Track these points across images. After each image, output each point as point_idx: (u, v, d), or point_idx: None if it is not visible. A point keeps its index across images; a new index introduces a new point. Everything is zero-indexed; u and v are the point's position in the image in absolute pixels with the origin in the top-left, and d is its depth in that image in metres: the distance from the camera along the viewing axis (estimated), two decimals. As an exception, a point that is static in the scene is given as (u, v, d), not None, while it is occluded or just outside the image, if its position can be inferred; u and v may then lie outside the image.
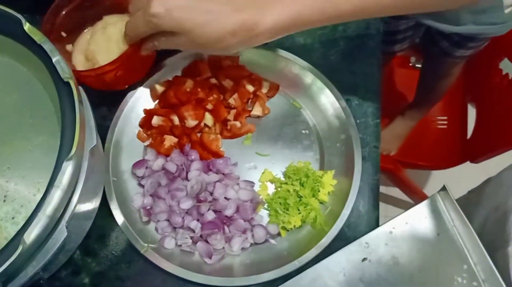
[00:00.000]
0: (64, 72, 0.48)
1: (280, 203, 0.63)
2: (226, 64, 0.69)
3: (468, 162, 1.25)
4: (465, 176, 1.24)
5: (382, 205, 0.68)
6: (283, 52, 0.70)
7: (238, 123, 0.68)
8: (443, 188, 0.62)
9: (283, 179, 0.66)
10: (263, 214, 0.65)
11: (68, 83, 0.48)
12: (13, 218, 0.51)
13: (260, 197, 0.65)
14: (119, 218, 0.61)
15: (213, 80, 0.69)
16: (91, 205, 0.56)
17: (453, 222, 0.61)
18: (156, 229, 0.63)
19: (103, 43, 0.65)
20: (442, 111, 1.40)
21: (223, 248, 0.62)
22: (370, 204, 0.65)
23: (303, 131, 0.69)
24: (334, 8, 0.52)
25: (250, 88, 0.68)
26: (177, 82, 0.67)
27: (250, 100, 0.70)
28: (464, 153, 1.30)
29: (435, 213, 0.62)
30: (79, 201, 0.49)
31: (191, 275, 0.59)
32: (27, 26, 0.50)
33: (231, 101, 0.68)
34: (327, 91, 0.68)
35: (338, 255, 0.60)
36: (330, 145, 0.68)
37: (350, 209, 0.62)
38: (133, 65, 0.65)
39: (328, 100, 0.68)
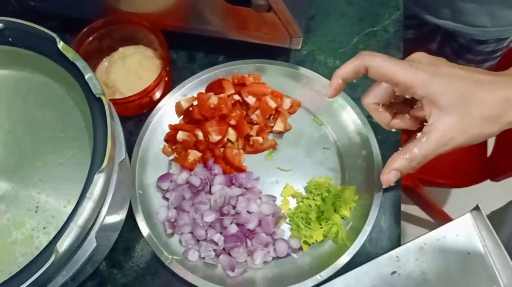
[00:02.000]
0: (96, 88, 0.50)
1: (302, 218, 0.64)
2: (249, 81, 0.71)
3: (488, 181, 1.24)
4: (486, 195, 1.23)
5: (401, 223, 0.67)
6: (304, 70, 0.71)
7: (260, 139, 0.69)
8: (476, 207, 0.61)
9: (305, 194, 0.67)
10: (285, 229, 0.65)
11: (100, 99, 0.50)
12: (44, 228, 0.53)
13: (282, 211, 0.66)
14: (144, 230, 0.62)
15: (236, 97, 0.70)
16: (118, 217, 0.58)
17: (484, 241, 0.60)
18: (180, 242, 0.64)
19: (123, 73, 0.71)
20: (462, 129, 1.39)
21: (245, 261, 0.62)
22: (392, 220, 0.65)
23: (324, 147, 0.70)
24: None
25: (272, 104, 0.70)
26: (202, 98, 0.69)
27: (272, 116, 0.71)
28: (484, 171, 1.29)
29: (467, 231, 0.61)
30: (108, 212, 0.51)
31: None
32: (61, 45, 0.53)
33: (254, 117, 0.69)
34: (348, 108, 0.69)
35: (368, 266, 0.60)
36: (351, 161, 0.68)
37: (371, 225, 0.62)
38: (152, 96, 0.70)
39: (349, 117, 0.69)
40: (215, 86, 0.71)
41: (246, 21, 0.67)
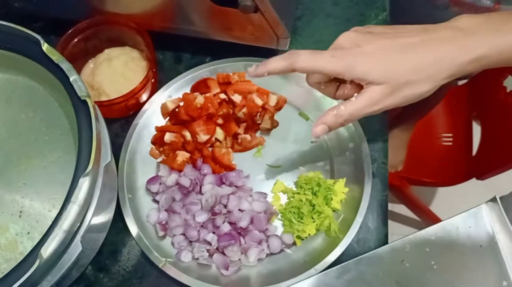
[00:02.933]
0: (81, 90, 0.50)
1: (294, 213, 0.64)
2: (234, 80, 0.71)
3: (474, 179, 1.26)
4: (471, 194, 1.25)
5: (388, 222, 0.68)
6: None
7: (248, 137, 0.69)
8: (493, 199, 0.60)
9: (295, 189, 0.67)
10: (277, 225, 0.65)
11: (85, 101, 0.49)
12: (28, 233, 0.52)
13: (274, 207, 0.66)
14: (135, 233, 0.62)
15: (222, 95, 0.70)
16: (104, 220, 0.57)
17: (497, 235, 0.58)
18: (173, 244, 0.63)
19: (108, 74, 0.71)
20: (447, 128, 1.40)
21: (239, 259, 0.62)
22: (379, 220, 0.65)
23: (312, 142, 0.70)
24: None
25: (259, 101, 0.69)
26: (188, 99, 0.68)
27: (259, 114, 0.71)
28: (470, 170, 1.30)
29: (480, 223, 0.59)
30: (93, 216, 0.50)
31: (209, 287, 0.59)
32: (45, 46, 0.52)
33: (240, 115, 0.69)
34: (334, 102, 0.69)
35: (379, 252, 0.58)
36: (339, 154, 0.69)
37: (363, 216, 0.62)
38: (139, 98, 0.70)
39: None
40: (201, 86, 0.71)
41: (232, 22, 0.66)
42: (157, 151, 0.69)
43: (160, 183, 0.66)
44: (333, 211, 0.65)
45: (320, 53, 0.51)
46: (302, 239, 0.64)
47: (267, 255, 0.63)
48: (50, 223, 0.45)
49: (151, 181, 0.66)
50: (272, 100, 0.71)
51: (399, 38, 0.50)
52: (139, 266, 0.63)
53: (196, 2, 0.64)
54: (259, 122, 0.71)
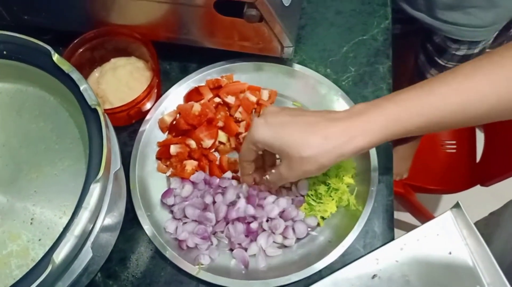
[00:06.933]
0: (92, 99, 0.51)
1: (312, 195, 0.66)
2: (223, 83, 0.73)
3: (478, 186, 1.26)
4: (476, 200, 1.25)
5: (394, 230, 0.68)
6: (269, 65, 0.74)
7: None
8: (456, 205, 0.61)
9: None
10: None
11: (95, 110, 0.50)
12: (39, 240, 0.53)
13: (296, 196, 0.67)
14: (164, 250, 0.62)
15: (217, 99, 0.72)
16: (114, 227, 0.58)
17: (466, 240, 0.59)
18: (199, 250, 0.63)
19: (113, 83, 0.72)
20: (451, 135, 1.41)
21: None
22: (385, 224, 0.66)
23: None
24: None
25: (253, 98, 0.71)
26: (185, 109, 0.70)
27: (254, 110, 0.73)
28: (474, 177, 1.30)
29: (448, 230, 0.60)
30: (104, 223, 0.51)
31: (250, 284, 0.60)
32: (55, 57, 0.53)
33: (237, 115, 0.71)
34: (341, 101, 0.72)
35: (346, 270, 0.59)
36: None
37: (376, 186, 0.64)
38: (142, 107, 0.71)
39: (325, 92, 0.73)
40: (193, 95, 0.73)
41: (238, 31, 0.68)
42: (164, 166, 0.70)
43: (174, 196, 0.66)
44: (347, 187, 0.66)
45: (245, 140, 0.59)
46: (324, 219, 0.66)
47: (296, 241, 0.65)
48: (61, 230, 0.45)
49: (165, 195, 0.66)
50: (265, 95, 0.73)
51: (301, 117, 0.56)
52: (147, 273, 0.63)
53: (201, 12, 0.65)
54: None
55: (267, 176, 0.61)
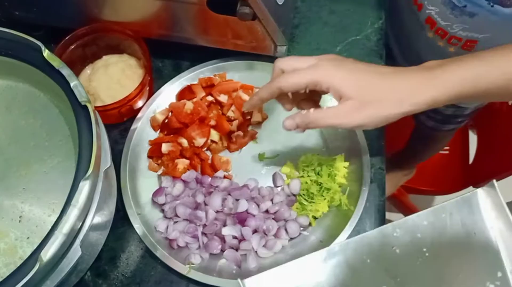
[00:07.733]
0: (82, 96, 0.50)
1: (304, 195, 0.66)
2: (216, 81, 0.73)
3: (471, 188, 1.26)
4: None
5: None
6: (260, 64, 0.74)
7: (240, 133, 0.70)
8: (491, 184, 0.56)
9: (297, 173, 0.69)
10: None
11: (85, 107, 0.50)
12: (28, 238, 0.53)
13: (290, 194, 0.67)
14: (155, 249, 0.61)
15: (209, 98, 0.72)
16: (104, 225, 0.58)
17: (493, 222, 0.55)
18: (189, 249, 0.63)
19: (105, 80, 0.71)
20: (444, 137, 1.42)
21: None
22: (377, 225, 0.66)
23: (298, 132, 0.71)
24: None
25: (246, 97, 0.71)
26: (177, 107, 0.69)
27: None
28: (467, 178, 1.31)
29: (476, 210, 0.56)
30: (93, 221, 0.50)
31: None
32: (46, 53, 0.53)
33: (230, 113, 0.70)
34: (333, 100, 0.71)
35: (367, 236, 0.55)
36: (332, 132, 0.70)
37: (368, 186, 0.64)
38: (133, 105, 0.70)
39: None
40: (185, 93, 0.72)
41: (231, 30, 0.67)
42: (155, 164, 0.69)
43: (165, 195, 0.66)
44: (339, 186, 0.66)
45: (300, 71, 0.55)
46: (316, 218, 0.66)
47: (288, 240, 0.64)
48: (50, 228, 0.45)
49: (156, 194, 0.66)
50: None
51: (374, 67, 0.56)
52: (137, 272, 0.63)
53: (194, 10, 0.65)
54: (249, 117, 0.72)
55: (311, 110, 0.56)
